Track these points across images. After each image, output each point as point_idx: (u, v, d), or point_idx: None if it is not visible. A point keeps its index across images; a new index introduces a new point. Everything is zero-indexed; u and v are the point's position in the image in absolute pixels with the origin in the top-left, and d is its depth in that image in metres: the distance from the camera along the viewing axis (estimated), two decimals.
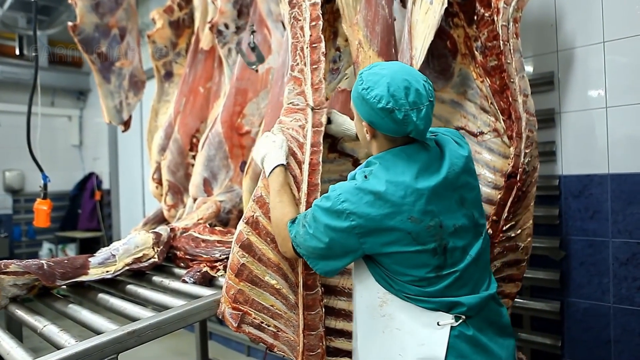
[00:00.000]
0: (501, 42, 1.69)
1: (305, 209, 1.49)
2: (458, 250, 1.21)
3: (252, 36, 2.35)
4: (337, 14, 1.84)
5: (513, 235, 1.78)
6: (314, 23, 1.64)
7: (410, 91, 1.16)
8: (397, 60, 1.84)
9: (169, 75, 3.07)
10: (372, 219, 1.16)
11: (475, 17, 1.80)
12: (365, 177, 1.22)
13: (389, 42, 1.87)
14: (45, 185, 2.56)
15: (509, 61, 1.70)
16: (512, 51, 1.70)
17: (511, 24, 1.72)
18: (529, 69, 2.30)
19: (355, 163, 1.80)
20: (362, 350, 1.32)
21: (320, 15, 1.65)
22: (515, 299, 2.11)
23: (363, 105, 1.23)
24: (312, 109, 1.60)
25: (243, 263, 1.46)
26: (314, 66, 1.63)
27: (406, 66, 1.26)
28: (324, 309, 1.55)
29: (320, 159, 1.55)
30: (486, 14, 1.75)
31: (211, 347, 2.85)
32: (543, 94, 2.25)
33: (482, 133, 1.84)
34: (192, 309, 1.45)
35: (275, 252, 1.48)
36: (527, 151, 1.70)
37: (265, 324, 1.49)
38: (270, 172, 1.46)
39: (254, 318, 1.48)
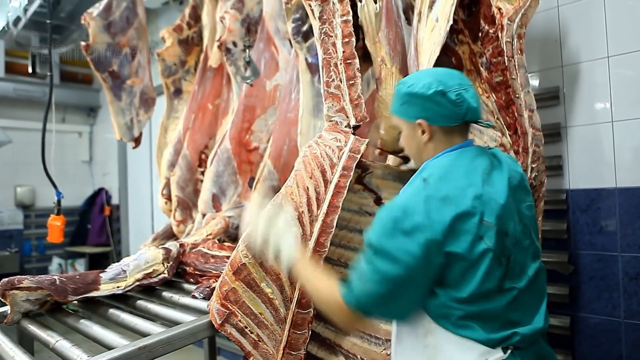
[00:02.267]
0: (506, 58, 1.71)
1: (321, 227, 1.47)
2: (517, 266, 1.16)
3: (247, 50, 2.38)
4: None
5: None
6: (346, 40, 1.65)
7: (454, 75, 1.23)
8: None
9: (178, 92, 3.11)
10: (443, 224, 1.08)
11: (480, 34, 1.83)
12: (425, 180, 1.17)
13: (406, 60, 1.90)
14: (59, 202, 2.60)
15: (514, 77, 1.71)
16: (516, 67, 1.72)
17: (515, 40, 1.74)
18: (534, 83, 2.32)
19: (378, 201, 1.73)
20: None
21: (353, 32, 1.66)
22: None
23: (412, 104, 1.23)
24: (354, 133, 1.60)
25: (244, 263, 1.43)
26: (350, 82, 1.63)
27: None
28: (310, 332, 1.52)
29: (348, 184, 1.53)
30: (490, 31, 1.77)
31: None
32: (549, 109, 2.26)
33: (488, 148, 1.85)
34: (201, 324, 1.46)
35: None
36: (533, 166, 1.71)
37: (249, 330, 1.46)
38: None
39: (239, 320, 1.45)
